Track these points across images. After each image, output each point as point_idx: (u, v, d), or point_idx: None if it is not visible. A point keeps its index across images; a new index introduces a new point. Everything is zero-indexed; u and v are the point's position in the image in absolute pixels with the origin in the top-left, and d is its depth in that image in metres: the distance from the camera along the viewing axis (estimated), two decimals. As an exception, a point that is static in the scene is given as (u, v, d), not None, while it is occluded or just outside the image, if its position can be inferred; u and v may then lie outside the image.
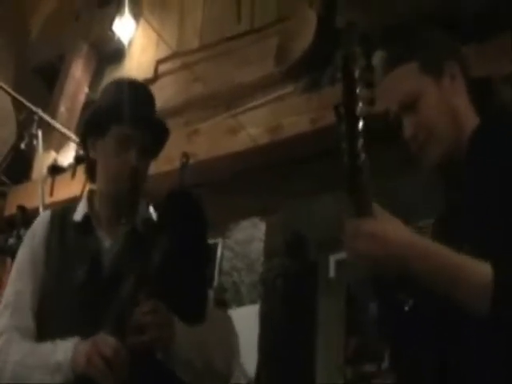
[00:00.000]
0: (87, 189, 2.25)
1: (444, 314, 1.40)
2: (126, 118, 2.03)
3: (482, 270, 1.32)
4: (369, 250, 1.36)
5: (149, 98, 2.15)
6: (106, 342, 1.79)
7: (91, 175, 2.16)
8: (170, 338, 1.81)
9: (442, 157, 1.65)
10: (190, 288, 1.89)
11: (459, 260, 1.34)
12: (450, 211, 1.64)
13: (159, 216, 1.96)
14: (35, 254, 2.05)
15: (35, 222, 2.15)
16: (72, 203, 2.19)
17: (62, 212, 2.15)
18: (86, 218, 2.09)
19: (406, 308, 1.56)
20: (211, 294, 3.90)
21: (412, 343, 1.56)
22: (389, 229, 1.38)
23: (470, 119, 1.65)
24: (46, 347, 1.88)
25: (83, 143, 2.15)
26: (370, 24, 3.90)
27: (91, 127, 2.11)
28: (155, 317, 1.79)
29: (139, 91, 2.15)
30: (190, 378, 1.91)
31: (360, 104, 1.32)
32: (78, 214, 2.10)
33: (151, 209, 2.12)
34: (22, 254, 2.08)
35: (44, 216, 2.15)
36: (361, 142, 1.33)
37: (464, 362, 1.41)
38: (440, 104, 1.65)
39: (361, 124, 1.33)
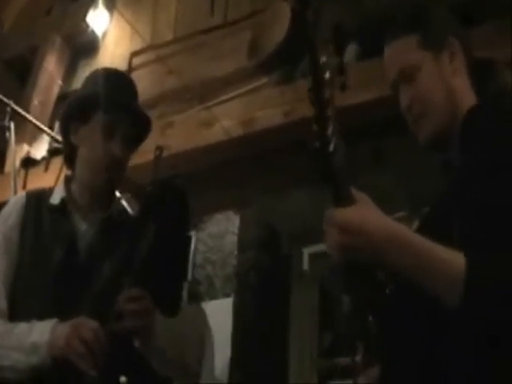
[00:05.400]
0: (63, 175, 2.24)
1: (425, 299, 1.36)
2: (111, 106, 2.04)
3: (455, 261, 1.30)
4: (342, 241, 1.34)
5: (132, 88, 2.18)
6: (87, 325, 1.80)
7: (70, 161, 2.15)
8: (151, 327, 1.82)
9: (436, 133, 1.64)
10: (169, 281, 1.90)
11: (434, 250, 1.32)
12: (441, 195, 1.61)
13: (145, 204, 1.97)
14: (9, 235, 2.04)
15: (9, 203, 2.13)
16: (48, 188, 2.19)
17: (38, 195, 2.14)
18: (63, 201, 2.08)
19: (387, 291, 1.54)
20: (185, 287, 3.91)
21: (394, 328, 1.53)
22: (365, 218, 1.35)
23: (468, 99, 1.63)
24: (22, 328, 1.86)
25: (65, 127, 2.14)
26: (345, 16, 3.91)
27: (75, 112, 2.10)
28: (139, 304, 1.79)
29: (123, 80, 2.18)
30: (163, 369, 1.93)
31: (329, 89, 1.31)
32: (55, 198, 2.10)
33: (123, 201, 2.13)
34: None
35: (19, 197, 2.14)
36: (332, 127, 1.31)
37: (444, 349, 1.40)
38: (437, 80, 1.65)
39: (331, 109, 1.31)
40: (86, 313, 1.85)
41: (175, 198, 1.96)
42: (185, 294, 3.85)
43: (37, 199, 2.11)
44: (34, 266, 1.98)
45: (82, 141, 2.10)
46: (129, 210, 2.15)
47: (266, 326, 3.78)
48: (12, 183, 4.24)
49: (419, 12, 1.75)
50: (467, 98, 1.64)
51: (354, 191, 1.39)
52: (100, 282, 1.93)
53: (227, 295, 3.99)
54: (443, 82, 1.65)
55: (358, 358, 1.69)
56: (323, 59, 1.31)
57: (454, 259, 1.31)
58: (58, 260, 1.97)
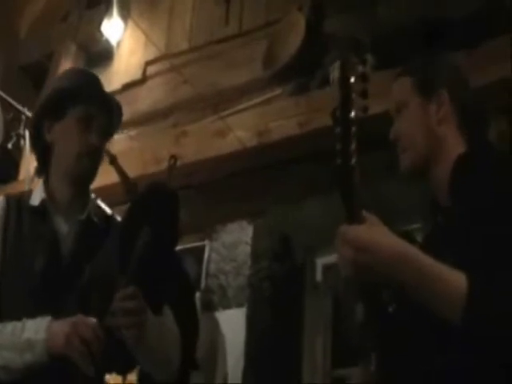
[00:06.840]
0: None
1: (427, 317, 1.41)
2: (85, 97, 2.07)
3: (458, 280, 1.35)
4: (354, 258, 1.38)
5: (100, 81, 2.22)
6: (86, 323, 1.80)
7: (44, 162, 2.14)
8: (144, 325, 1.81)
9: (413, 171, 1.75)
10: (159, 281, 1.91)
11: (438, 269, 1.38)
12: (436, 231, 1.71)
13: (141, 207, 1.97)
14: None
15: None
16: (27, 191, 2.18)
17: (18, 198, 2.13)
18: (43, 202, 2.08)
19: (390, 309, 1.58)
20: (197, 296, 3.92)
21: (397, 345, 1.57)
22: (375, 236, 1.40)
23: (455, 147, 1.71)
24: (13, 326, 1.85)
25: (38, 128, 2.12)
26: (357, 28, 3.93)
27: (48, 110, 2.11)
28: (134, 302, 1.78)
29: (91, 75, 2.25)
30: (150, 367, 1.95)
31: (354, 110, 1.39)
32: (35, 199, 2.09)
33: (99, 202, 2.16)
34: None
35: None
36: (354, 145, 1.39)
37: (447, 365, 1.43)
38: (420, 123, 1.75)
39: (354, 129, 1.39)
40: (72, 315, 1.84)
41: (168, 200, 1.98)
42: (198, 303, 3.87)
43: (17, 202, 2.10)
44: (18, 270, 1.97)
45: (58, 136, 2.09)
46: (107, 210, 2.17)
47: (279, 336, 3.78)
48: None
49: (423, 59, 1.87)
50: (454, 145, 1.72)
51: (365, 213, 1.44)
52: (84, 284, 1.93)
53: (240, 305, 3.99)
54: (426, 128, 1.74)
55: (371, 368, 1.72)
56: (352, 80, 1.39)
57: (457, 277, 1.36)
58: (42, 264, 1.96)
